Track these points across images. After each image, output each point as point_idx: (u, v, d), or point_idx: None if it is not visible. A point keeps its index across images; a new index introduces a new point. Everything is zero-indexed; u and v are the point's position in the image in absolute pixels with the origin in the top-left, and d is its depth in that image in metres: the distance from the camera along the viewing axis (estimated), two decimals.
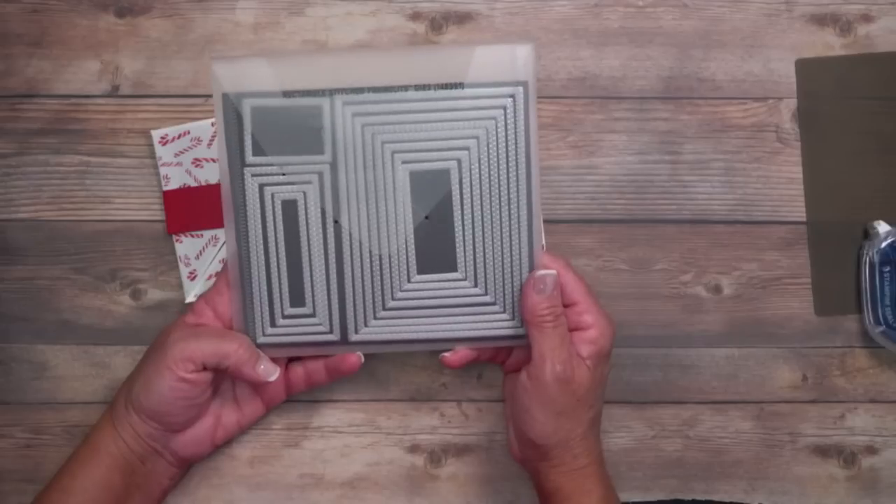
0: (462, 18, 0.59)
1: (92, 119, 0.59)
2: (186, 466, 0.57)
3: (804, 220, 0.59)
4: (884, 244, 0.58)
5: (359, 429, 0.59)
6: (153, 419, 0.52)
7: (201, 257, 0.58)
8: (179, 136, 0.58)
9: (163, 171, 0.58)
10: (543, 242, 0.59)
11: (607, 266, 0.59)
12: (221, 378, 0.55)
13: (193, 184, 0.58)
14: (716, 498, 0.59)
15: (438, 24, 0.59)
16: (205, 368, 0.51)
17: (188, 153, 0.57)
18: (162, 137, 0.58)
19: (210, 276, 0.58)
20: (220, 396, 0.56)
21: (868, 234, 0.59)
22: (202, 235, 0.58)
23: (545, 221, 0.59)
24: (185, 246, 0.58)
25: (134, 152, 0.59)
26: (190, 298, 0.58)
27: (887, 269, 0.58)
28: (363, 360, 0.55)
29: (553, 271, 0.52)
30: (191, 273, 0.58)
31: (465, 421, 0.59)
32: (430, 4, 0.59)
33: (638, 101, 0.60)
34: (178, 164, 0.58)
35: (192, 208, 0.57)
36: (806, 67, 0.60)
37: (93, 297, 0.59)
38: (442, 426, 0.59)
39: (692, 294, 0.59)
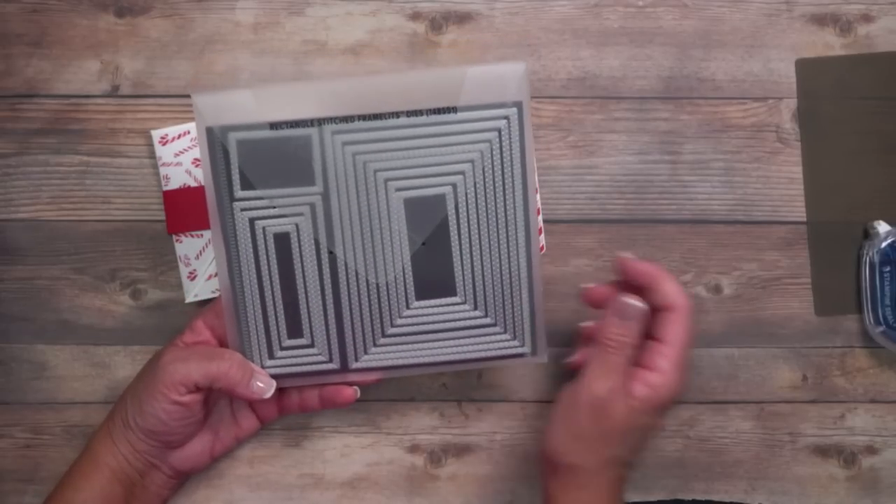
0: (462, 18, 0.59)
1: (92, 119, 0.59)
2: (185, 478, 0.57)
3: (804, 220, 0.59)
4: (884, 244, 0.58)
5: (359, 429, 0.59)
6: (150, 438, 0.52)
7: (201, 257, 0.58)
8: (179, 136, 0.58)
9: (163, 171, 0.58)
10: (543, 242, 0.59)
11: (607, 266, 0.59)
12: (217, 395, 0.55)
13: (193, 184, 0.58)
14: (716, 498, 0.59)
15: (438, 24, 0.59)
16: (198, 389, 0.51)
17: (188, 153, 0.57)
18: (162, 137, 0.58)
19: (210, 277, 0.58)
20: (218, 412, 0.56)
21: (868, 234, 0.59)
22: (202, 235, 0.58)
23: (545, 222, 0.59)
24: (185, 246, 0.58)
25: (134, 152, 0.59)
26: (190, 298, 0.58)
27: (887, 269, 0.58)
28: (359, 394, 0.54)
29: (642, 307, 0.50)
30: (191, 273, 0.58)
31: (465, 421, 0.59)
32: (430, 4, 0.59)
33: (638, 101, 0.60)
34: (178, 164, 0.58)
35: (192, 208, 0.57)
36: (806, 67, 0.60)
37: (93, 297, 0.59)
38: (442, 426, 0.59)
39: (692, 294, 0.59)
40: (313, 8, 0.59)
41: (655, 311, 0.50)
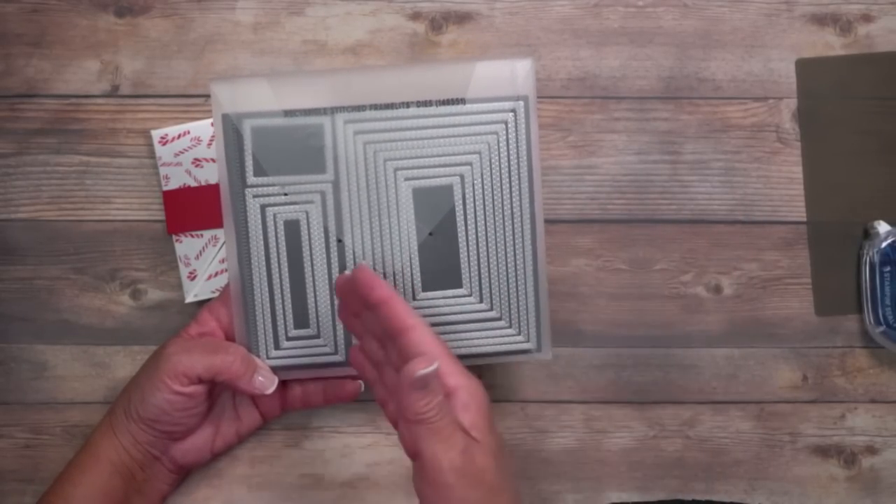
0: (462, 18, 0.59)
1: (92, 119, 0.59)
2: (185, 473, 0.57)
3: (804, 220, 0.59)
4: (884, 244, 0.58)
5: (359, 429, 0.59)
6: (152, 428, 0.52)
7: (201, 257, 0.58)
8: (179, 136, 0.58)
9: (163, 171, 0.58)
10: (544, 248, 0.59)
11: (607, 266, 0.59)
12: (221, 388, 0.55)
13: (193, 184, 0.58)
14: (716, 498, 0.59)
15: (438, 23, 0.59)
16: (201, 381, 0.51)
17: (188, 153, 0.57)
18: (162, 137, 0.58)
19: (210, 276, 0.58)
20: (220, 406, 0.56)
21: (868, 234, 0.59)
22: (202, 235, 0.58)
23: (546, 222, 0.59)
24: (185, 246, 0.58)
25: (134, 152, 0.59)
26: (190, 298, 0.58)
27: (887, 269, 0.58)
28: (363, 388, 0.55)
29: (435, 364, 0.43)
30: (191, 273, 0.58)
31: None
32: (430, 4, 0.59)
33: (638, 101, 0.60)
34: (178, 164, 0.58)
35: (192, 208, 0.57)
36: (806, 67, 0.60)
37: (93, 297, 0.59)
38: None
39: (692, 294, 0.59)
40: (313, 8, 0.59)
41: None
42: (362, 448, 0.59)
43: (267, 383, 0.52)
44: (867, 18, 0.60)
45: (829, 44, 0.60)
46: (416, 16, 0.59)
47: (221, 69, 0.59)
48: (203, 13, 0.59)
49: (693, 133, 0.60)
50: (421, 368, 0.43)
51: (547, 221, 0.59)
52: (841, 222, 0.59)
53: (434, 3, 0.59)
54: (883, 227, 0.58)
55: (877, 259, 0.58)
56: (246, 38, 0.59)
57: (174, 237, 0.58)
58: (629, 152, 0.59)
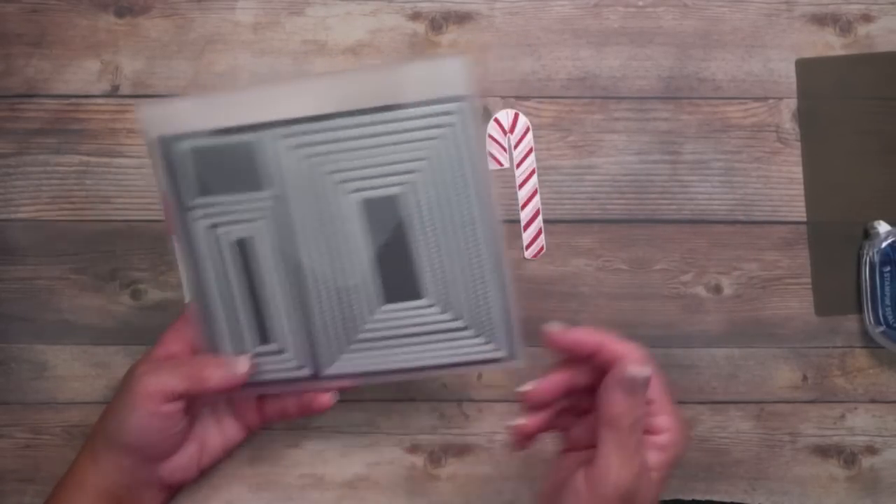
0: (462, 18, 0.59)
1: (92, 119, 0.59)
2: (175, 491, 0.56)
3: (804, 220, 0.59)
4: (884, 244, 0.58)
5: (359, 429, 0.59)
6: (134, 453, 0.51)
7: None
8: None
9: None
10: (543, 243, 0.59)
11: (607, 266, 0.59)
12: (201, 403, 0.54)
13: None
14: (716, 498, 0.59)
15: (438, 24, 0.59)
16: (177, 398, 0.50)
17: None
18: None
19: None
20: (202, 421, 0.55)
21: (868, 234, 0.59)
22: None
23: (545, 221, 0.59)
24: None
25: (134, 152, 0.59)
26: (189, 298, 0.58)
27: (887, 269, 0.58)
28: (337, 398, 0.53)
29: (648, 371, 0.44)
30: None
31: (465, 421, 0.59)
32: (430, 4, 0.59)
33: (638, 101, 0.60)
34: None
35: None
36: (806, 67, 0.60)
37: (93, 297, 0.59)
38: (442, 426, 0.59)
39: (692, 294, 0.59)
40: (313, 8, 0.59)
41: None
42: (362, 448, 0.59)
43: (241, 367, 0.51)
44: (867, 18, 0.60)
45: (829, 44, 0.60)
46: (416, 16, 0.59)
47: (221, 69, 0.59)
48: (203, 13, 0.59)
49: (693, 133, 0.60)
50: (632, 370, 0.44)
51: (547, 221, 0.59)
52: (841, 222, 0.59)
53: (434, 3, 0.59)
54: (883, 227, 0.58)
55: (877, 259, 0.58)
56: (246, 38, 0.59)
57: (174, 237, 0.58)
58: (629, 152, 0.59)
